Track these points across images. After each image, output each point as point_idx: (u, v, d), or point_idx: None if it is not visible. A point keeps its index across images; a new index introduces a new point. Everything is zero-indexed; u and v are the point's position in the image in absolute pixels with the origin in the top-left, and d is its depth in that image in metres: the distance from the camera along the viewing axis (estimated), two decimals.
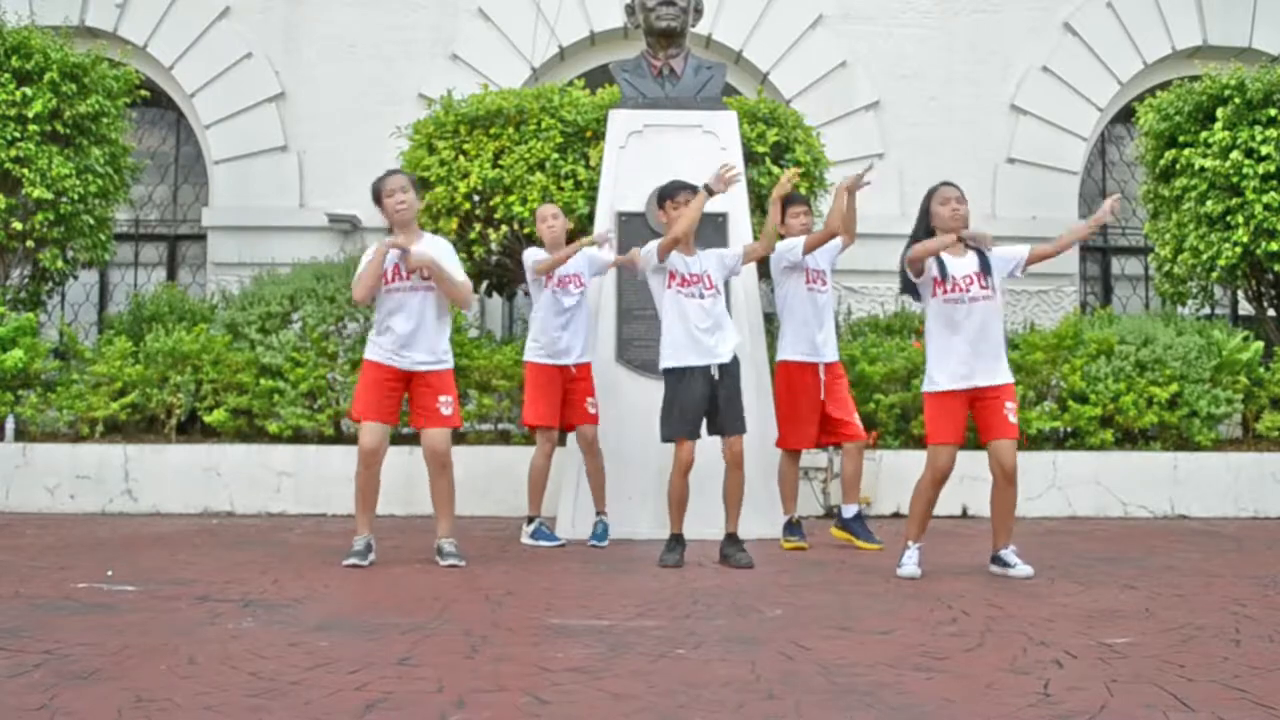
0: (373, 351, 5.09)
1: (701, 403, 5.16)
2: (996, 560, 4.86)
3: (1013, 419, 4.78)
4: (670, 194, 5.31)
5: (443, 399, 5.04)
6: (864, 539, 5.83)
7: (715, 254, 5.40)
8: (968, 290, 4.75)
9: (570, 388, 5.88)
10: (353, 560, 4.92)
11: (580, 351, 5.93)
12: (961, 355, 4.75)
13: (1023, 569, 4.76)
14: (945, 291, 4.78)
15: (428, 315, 5.05)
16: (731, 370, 5.23)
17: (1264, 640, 3.45)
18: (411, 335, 5.01)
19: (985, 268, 4.81)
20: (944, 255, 4.79)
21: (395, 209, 5.02)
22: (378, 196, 5.08)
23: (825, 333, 5.90)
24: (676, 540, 5.24)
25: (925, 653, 3.26)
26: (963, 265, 4.81)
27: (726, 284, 5.50)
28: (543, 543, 5.79)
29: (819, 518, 7.15)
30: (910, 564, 4.78)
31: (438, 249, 5.10)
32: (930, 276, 4.79)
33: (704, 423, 5.21)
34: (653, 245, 5.27)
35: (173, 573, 4.74)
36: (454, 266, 5.11)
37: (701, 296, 5.22)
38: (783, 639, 3.45)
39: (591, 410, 5.91)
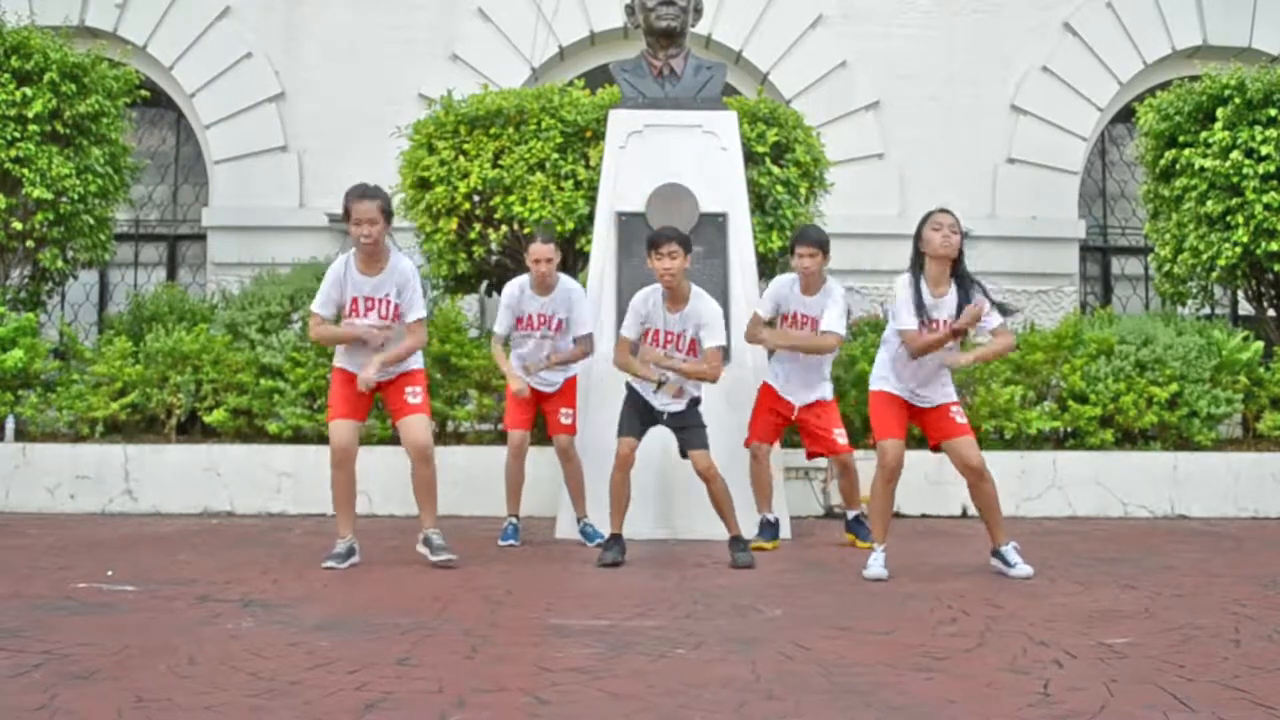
0: (342, 359, 5.08)
1: (642, 414, 5.30)
2: (997, 555, 4.86)
3: (961, 419, 4.85)
4: (655, 244, 5.15)
5: (409, 389, 5.04)
6: (863, 539, 5.85)
7: (701, 321, 5.20)
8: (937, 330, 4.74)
9: (545, 405, 5.95)
10: (331, 563, 4.91)
11: (553, 382, 5.93)
12: (913, 382, 4.83)
13: (1023, 569, 4.75)
14: (921, 331, 4.73)
15: (390, 346, 5.00)
16: (683, 414, 5.29)
17: (1264, 640, 3.45)
18: (370, 362, 4.97)
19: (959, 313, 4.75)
20: (925, 294, 4.75)
21: (361, 237, 4.85)
22: (345, 215, 4.90)
23: (800, 375, 5.89)
24: (613, 540, 5.25)
25: (925, 653, 3.26)
26: (941, 308, 4.75)
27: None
28: (502, 541, 5.81)
29: (819, 518, 7.15)
30: (876, 566, 4.75)
31: (399, 284, 4.96)
32: (915, 316, 4.76)
33: (648, 428, 5.34)
34: (626, 333, 5.34)
35: (173, 573, 4.74)
36: (413, 303, 4.98)
37: (670, 356, 5.24)
38: (783, 639, 3.45)
39: (565, 421, 5.91)
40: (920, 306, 4.72)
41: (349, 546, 5.00)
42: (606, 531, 5.37)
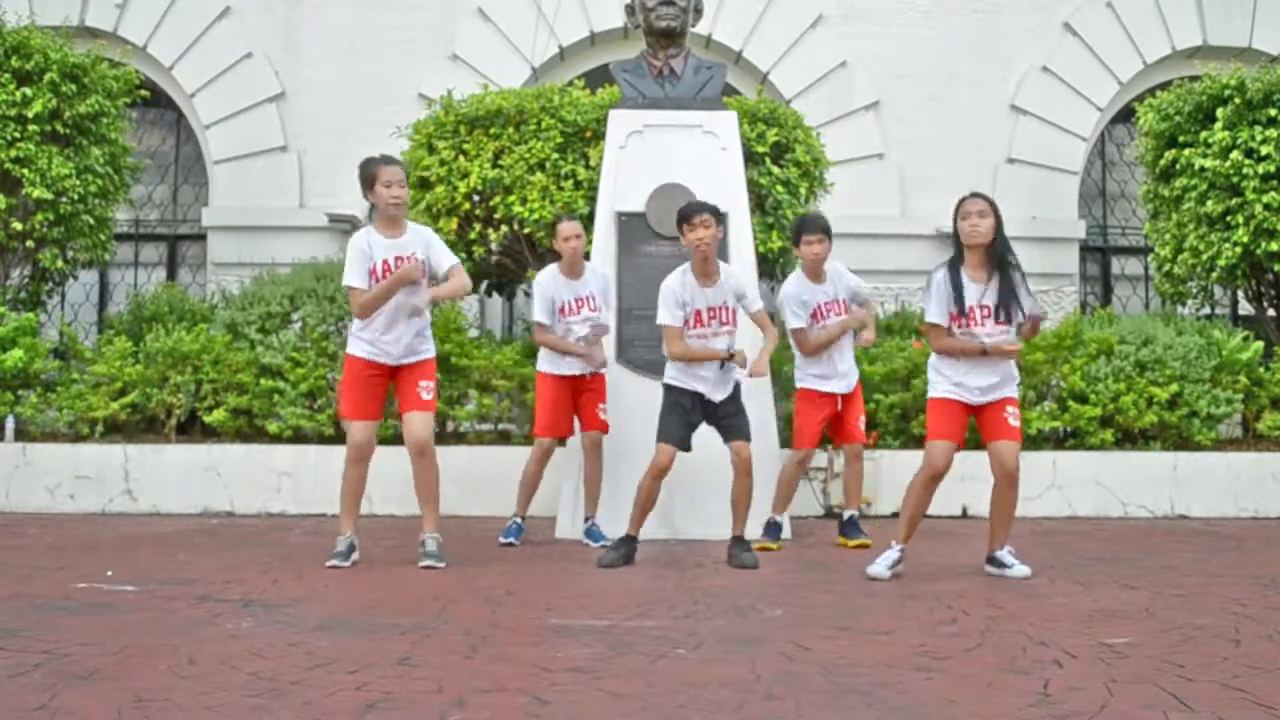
0: (356, 346, 5.09)
1: (689, 419, 5.22)
2: (993, 561, 4.84)
3: (1014, 422, 4.75)
4: (687, 216, 5.19)
5: (423, 384, 5.08)
6: (852, 538, 5.89)
7: (736, 288, 5.24)
8: (982, 325, 4.67)
9: (583, 396, 5.91)
10: (335, 561, 4.94)
11: (600, 361, 5.91)
12: (969, 383, 4.71)
13: (1020, 569, 4.74)
14: (960, 326, 4.69)
15: (413, 311, 5.06)
16: (733, 394, 5.25)
17: (1264, 640, 3.45)
18: (397, 330, 5.03)
19: (1007, 302, 4.66)
20: (966, 282, 4.68)
21: (391, 200, 4.99)
22: (370, 180, 5.01)
23: (841, 362, 5.92)
24: (624, 541, 5.22)
25: (925, 653, 3.26)
26: (987, 295, 4.69)
27: None
28: (502, 539, 5.81)
29: (819, 518, 7.15)
30: (883, 565, 4.72)
31: (425, 241, 5.11)
32: (946, 309, 4.70)
33: (694, 432, 5.25)
34: (673, 322, 5.20)
35: (173, 573, 4.74)
36: (444, 254, 5.12)
37: (715, 334, 5.18)
38: (783, 639, 3.45)
39: (603, 417, 5.93)
40: (960, 297, 4.67)
41: (350, 543, 5.03)
42: (622, 530, 5.33)
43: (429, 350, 5.18)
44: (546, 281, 5.89)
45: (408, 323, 5.03)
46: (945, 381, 4.77)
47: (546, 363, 5.93)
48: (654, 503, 5.28)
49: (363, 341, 5.06)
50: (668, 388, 5.27)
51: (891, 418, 7.52)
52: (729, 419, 5.23)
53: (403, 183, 5.05)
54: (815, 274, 5.90)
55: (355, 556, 5.03)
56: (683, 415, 5.19)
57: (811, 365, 5.93)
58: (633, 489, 5.74)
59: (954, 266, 4.74)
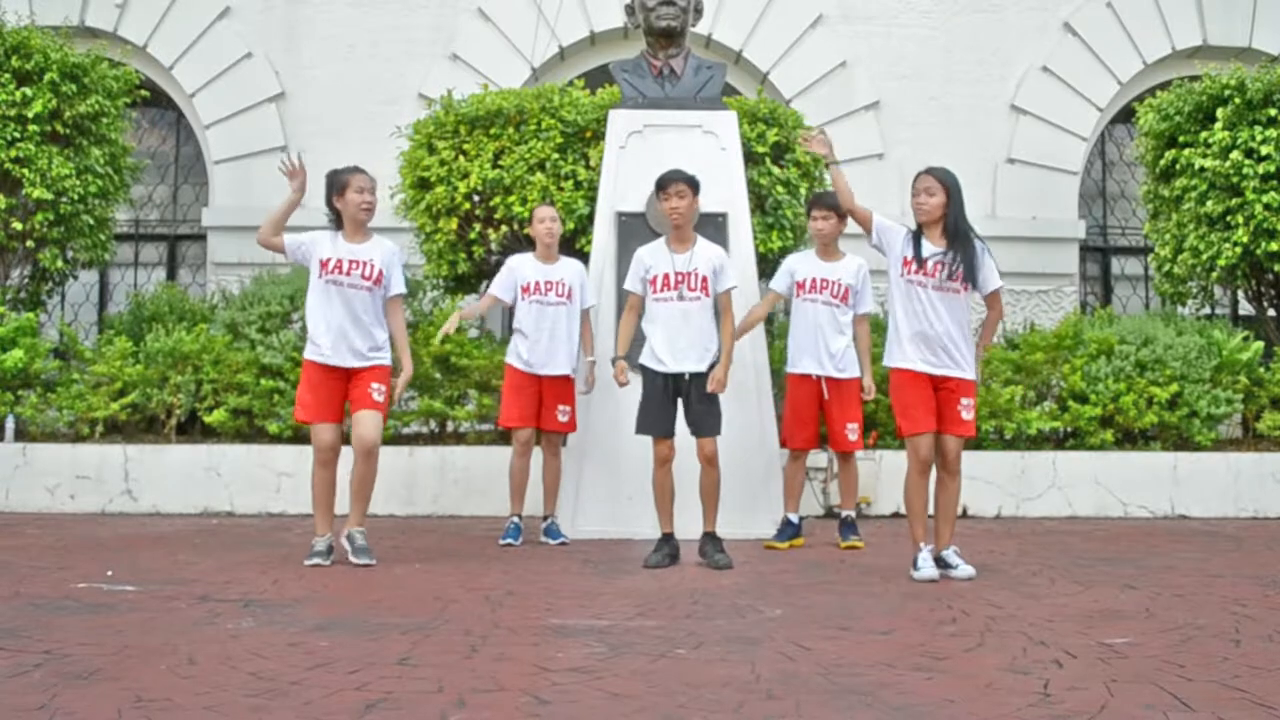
0: (311, 351, 5.15)
1: (665, 403, 5.18)
2: (939, 561, 4.79)
3: (966, 415, 4.72)
4: (663, 185, 5.25)
5: (374, 385, 5.12)
6: (845, 538, 5.88)
7: (713, 260, 5.25)
8: (934, 276, 4.69)
9: (545, 393, 5.89)
10: (315, 560, 4.99)
11: (560, 364, 5.87)
12: (922, 342, 4.70)
13: (965, 569, 4.72)
14: (910, 272, 4.72)
15: (364, 314, 5.12)
16: (704, 377, 5.17)
17: (1264, 640, 3.45)
18: (346, 332, 5.08)
19: (969, 266, 4.69)
20: (925, 244, 4.73)
21: (361, 205, 5.12)
22: (341, 188, 5.12)
23: (815, 341, 5.83)
24: (664, 541, 5.21)
25: (925, 653, 3.26)
26: (940, 251, 4.72)
27: None
28: (502, 541, 5.80)
29: (819, 518, 7.15)
30: (927, 566, 4.68)
31: (386, 252, 5.22)
32: (900, 254, 4.75)
33: (677, 412, 5.20)
34: (631, 287, 5.36)
35: (173, 573, 4.74)
36: (397, 277, 5.26)
37: (682, 298, 5.16)
38: (783, 639, 3.45)
39: (563, 419, 5.90)
40: (918, 250, 4.71)
41: (328, 544, 5.08)
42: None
43: (381, 358, 5.19)
44: (515, 262, 5.96)
45: (351, 329, 5.09)
46: (904, 346, 4.73)
47: (513, 355, 5.92)
48: (670, 494, 5.23)
49: (314, 345, 5.14)
50: (642, 368, 5.26)
51: (892, 418, 7.50)
52: (698, 413, 5.17)
53: (373, 190, 5.19)
54: (824, 251, 5.90)
55: (334, 557, 5.07)
56: (656, 401, 5.18)
57: (791, 340, 5.91)
58: (632, 487, 5.77)
59: (915, 231, 4.81)
